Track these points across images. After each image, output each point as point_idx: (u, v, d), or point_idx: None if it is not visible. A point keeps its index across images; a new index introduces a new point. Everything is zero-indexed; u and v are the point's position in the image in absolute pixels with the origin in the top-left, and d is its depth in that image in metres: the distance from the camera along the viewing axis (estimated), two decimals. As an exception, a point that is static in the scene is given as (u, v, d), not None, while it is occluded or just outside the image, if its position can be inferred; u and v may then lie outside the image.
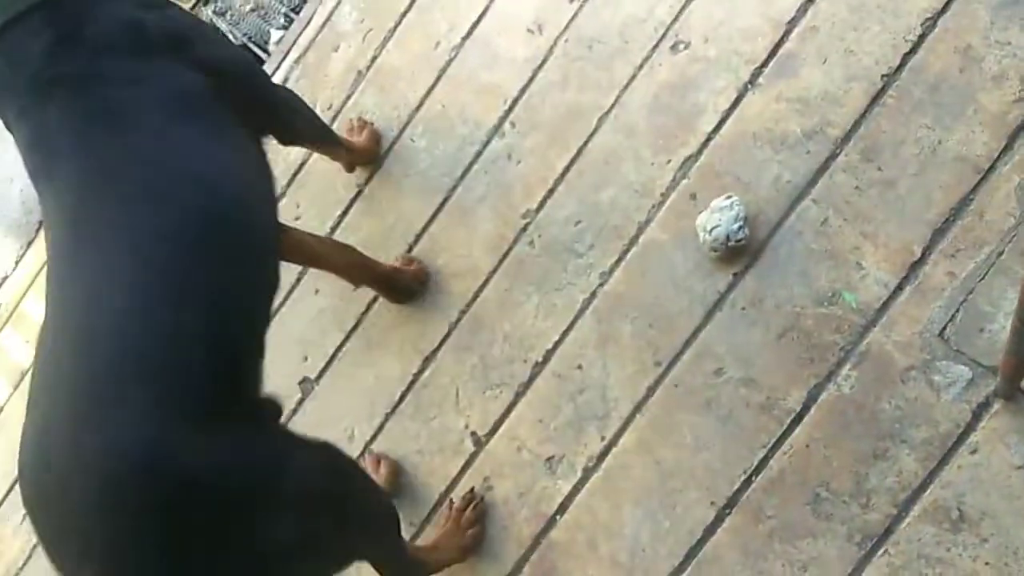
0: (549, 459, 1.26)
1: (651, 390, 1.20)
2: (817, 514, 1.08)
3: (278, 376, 1.52)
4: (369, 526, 1.02)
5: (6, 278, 1.98)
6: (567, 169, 1.36)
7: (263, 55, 1.70)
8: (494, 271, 1.38)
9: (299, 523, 0.85)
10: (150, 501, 0.75)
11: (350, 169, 1.52)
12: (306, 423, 1.47)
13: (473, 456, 1.31)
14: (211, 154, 0.96)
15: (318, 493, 0.90)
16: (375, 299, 1.47)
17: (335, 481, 0.96)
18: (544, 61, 1.42)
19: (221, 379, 0.85)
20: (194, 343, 0.84)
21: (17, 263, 1.98)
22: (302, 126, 1.32)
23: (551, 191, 1.36)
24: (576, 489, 1.22)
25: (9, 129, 0.99)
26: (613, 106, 1.34)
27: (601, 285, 1.28)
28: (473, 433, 1.32)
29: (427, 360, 1.39)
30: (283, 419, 1.47)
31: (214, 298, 0.88)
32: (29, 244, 1.98)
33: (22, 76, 0.94)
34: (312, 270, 1.52)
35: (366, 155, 1.52)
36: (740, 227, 1.18)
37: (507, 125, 1.43)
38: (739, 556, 1.12)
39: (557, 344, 1.30)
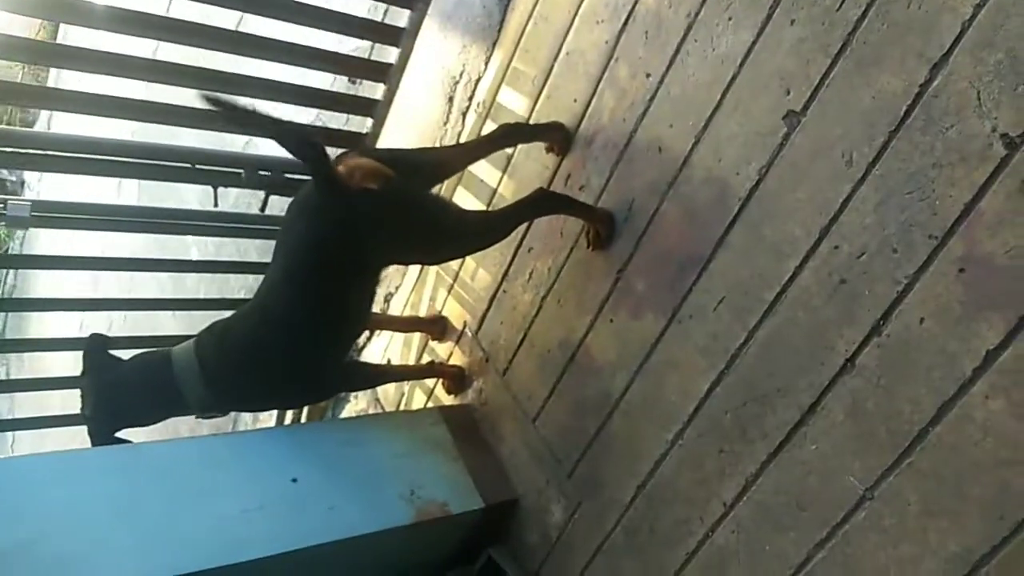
0: (1112, 150, 1.10)
1: None
2: None
3: (758, 114, 1.54)
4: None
5: (480, 79, 2.25)
6: None
7: None
8: (1019, -50, 1.19)
9: None
10: None
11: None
12: (794, 157, 1.47)
13: (1005, 160, 1.20)
14: None
15: None
16: (863, 14, 1.37)
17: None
18: None
19: None
20: None
21: (487, 63, 2.23)
22: None
23: None
24: None
25: None
26: None
27: None
28: (1004, 135, 1.20)
29: (935, 67, 1.27)
30: (770, 157, 1.50)
31: None
32: (494, 45, 2.20)
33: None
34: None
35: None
36: None
37: None
38: None
39: (1121, 15, 1.10)
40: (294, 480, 1.83)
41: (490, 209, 2.13)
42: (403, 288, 2.56)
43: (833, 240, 1.41)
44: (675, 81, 1.70)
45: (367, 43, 2.44)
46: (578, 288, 1.93)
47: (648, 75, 1.75)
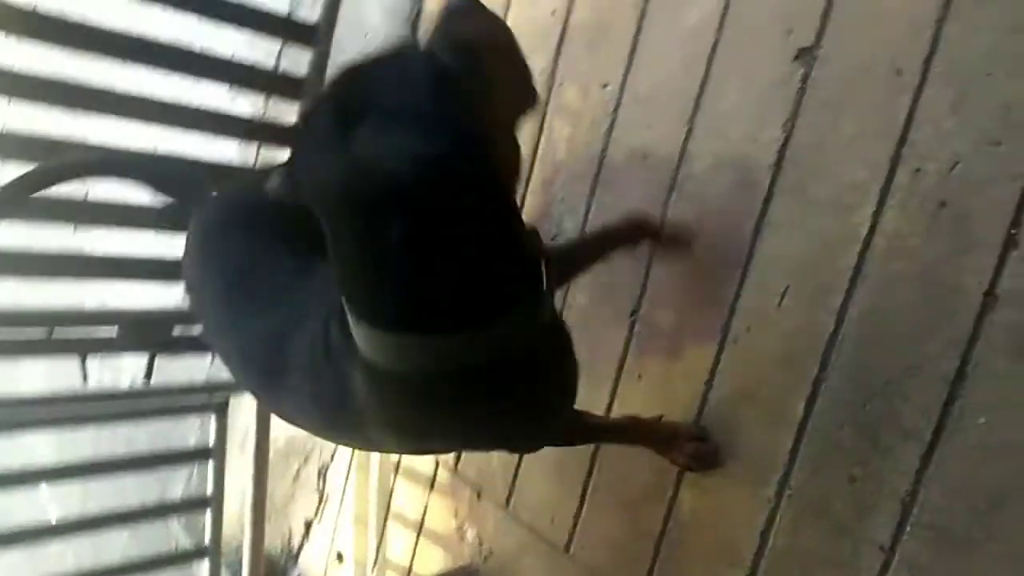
0: None
1: None
2: None
3: (758, 70, 1.32)
4: None
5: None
6: None
7: None
8: None
9: None
10: None
11: None
12: (824, 95, 1.24)
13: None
14: None
15: None
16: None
17: None
18: None
19: None
20: None
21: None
22: None
23: None
24: None
25: None
26: None
27: None
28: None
29: (966, -61, 1.12)
30: (792, 108, 1.25)
31: None
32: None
33: None
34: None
35: None
36: None
37: None
38: None
39: None
40: None
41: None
42: (337, 464, 2.05)
43: (910, 163, 1.16)
44: (640, 79, 1.48)
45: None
46: (585, 361, 1.55)
47: (605, 85, 1.52)
